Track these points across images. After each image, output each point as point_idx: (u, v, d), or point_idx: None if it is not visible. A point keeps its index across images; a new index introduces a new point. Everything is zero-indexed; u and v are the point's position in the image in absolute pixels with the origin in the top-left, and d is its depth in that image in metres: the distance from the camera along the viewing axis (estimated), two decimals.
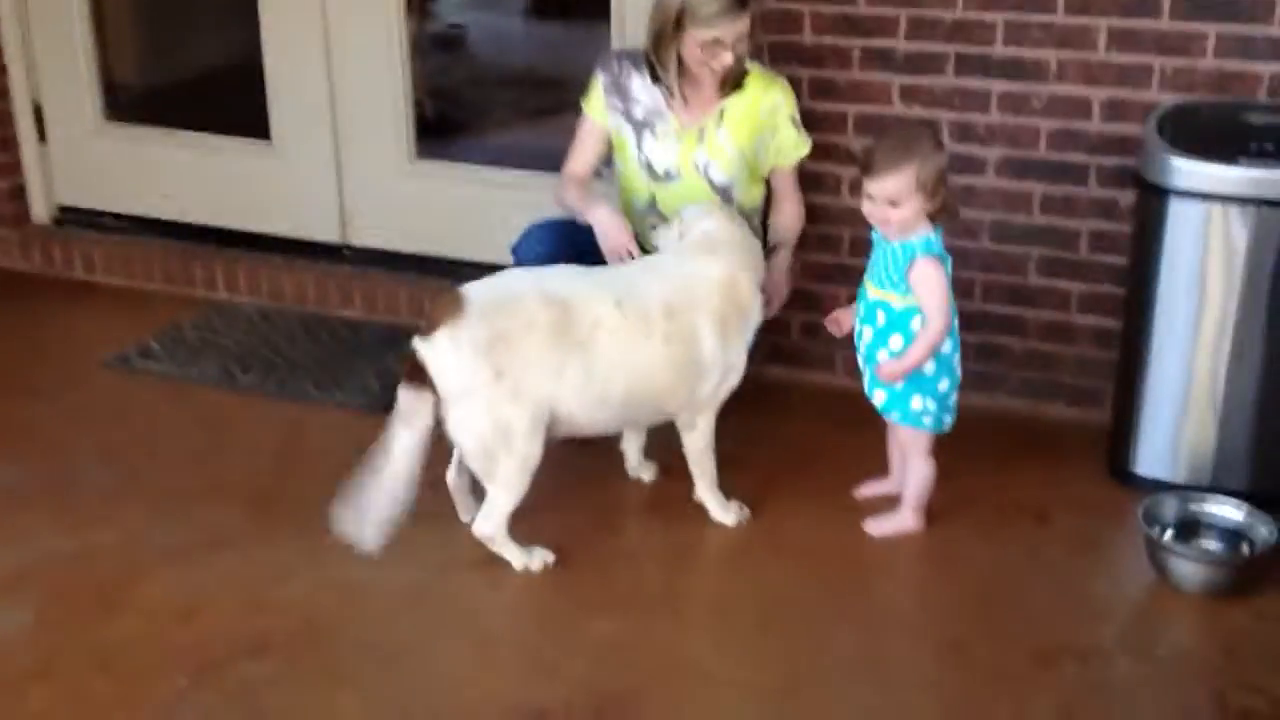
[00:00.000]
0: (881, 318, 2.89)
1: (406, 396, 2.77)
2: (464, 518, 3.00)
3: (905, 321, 2.86)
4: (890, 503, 3.08)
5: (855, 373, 3.61)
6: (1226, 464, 3.06)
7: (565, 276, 2.91)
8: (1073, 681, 2.55)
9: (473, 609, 2.82)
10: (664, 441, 3.15)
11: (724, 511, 3.07)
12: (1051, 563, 2.93)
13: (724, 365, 2.93)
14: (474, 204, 4.17)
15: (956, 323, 2.89)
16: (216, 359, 3.92)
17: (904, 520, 3.03)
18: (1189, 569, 2.77)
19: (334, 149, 4.28)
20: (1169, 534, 2.88)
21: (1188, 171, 2.88)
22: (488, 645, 2.73)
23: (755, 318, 2.99)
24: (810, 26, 3.42)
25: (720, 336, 2.90)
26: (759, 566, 2.94)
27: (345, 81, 4.20)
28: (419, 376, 2.74)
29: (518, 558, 2.89)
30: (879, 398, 2.96)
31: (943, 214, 2.82)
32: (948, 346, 2.88)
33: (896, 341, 2.87)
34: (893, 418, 2.97)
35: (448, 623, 2.77)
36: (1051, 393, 3.50)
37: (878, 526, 3.04)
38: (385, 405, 3.57)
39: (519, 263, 3.21)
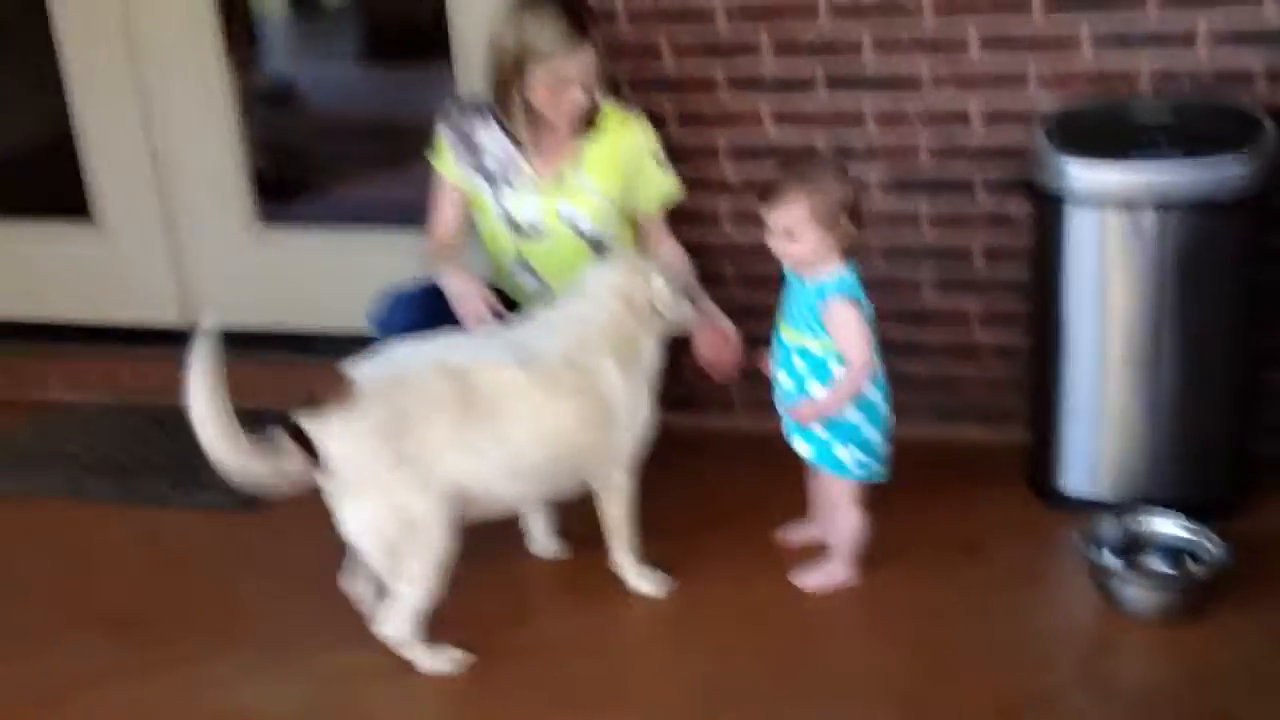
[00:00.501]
0: (799, 363, 2.72)
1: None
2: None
3: (825, 366, 2.69)
4: (817, 549, 2.90)
5: (757, 413, 3.48)
6: (1155, 475, 2.96)
7: (457, 344, 2.69)
8: None
9: None
10: (569, 510, 2.94)
11: (645, 582, 2.86)
12: (994, 601, 2.78)
13: (632, 409, 2.73)
14: (328, 270, 3.91)
15: (882, 365, 2.73)
16: (60, 467, 3.57)
17: (836, 572, 2.85)
18: (1140, 594, 2.65)
19: (165, 223, 3.98)
20: (1112, 557, 2.76)
21: (1084, 177, 2.78)
22: None
23: (650, 359, 2.79)
24: (670, 53, 3.25)
25: (625, 378, 2.71)
26: (691, 640, 2.74)
27: (170, 148, 3.91)
28: (304, 447, 2.46)
29: (428, 661, 2.63)
30: (804, 448, 2.78)
31: (852, 249, 2.66)
32: (873, 391, 2.72)
33: (817, 388, 2.70)
34: (819, 469, 2.80)
35: None
36: (960, 415, 3.38)
37: (808, 579, 2.86)
38: (253, 501, 3.33)
39: (381, 333, 2.95)
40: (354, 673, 2.66)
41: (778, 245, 2.66)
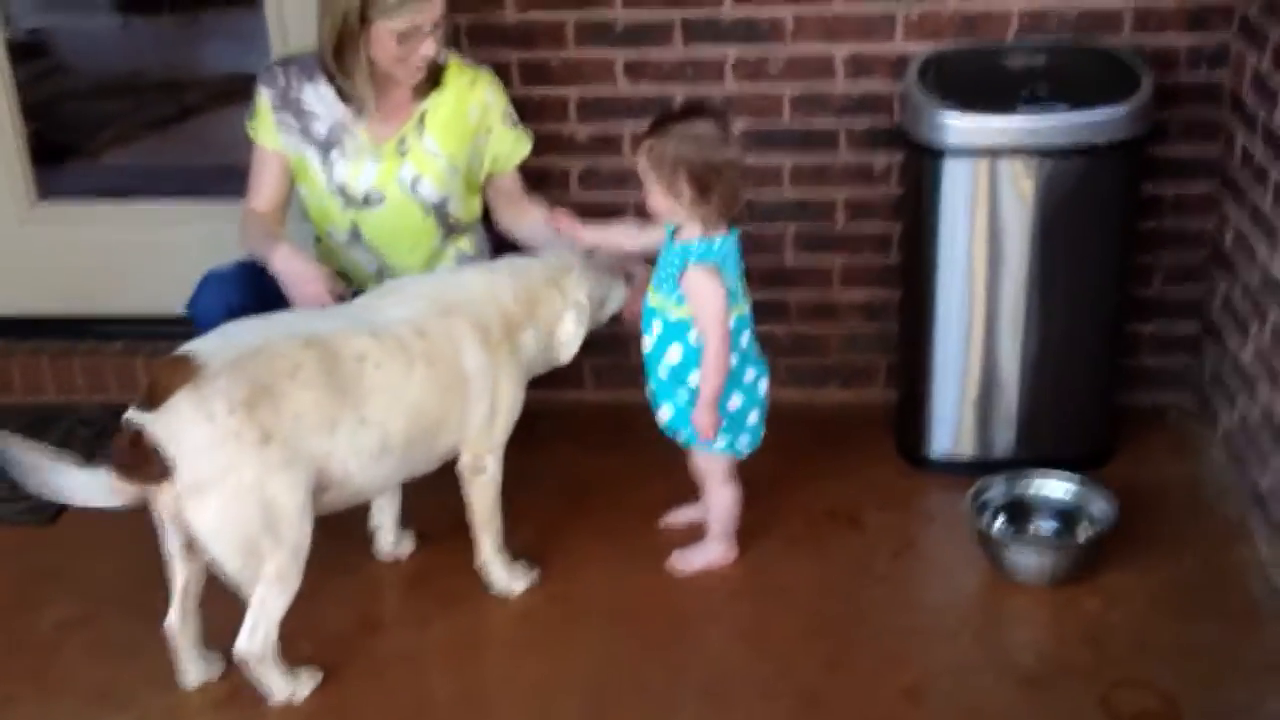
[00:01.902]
0: (657, 327, 2.52)
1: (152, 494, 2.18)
2: (189, 680, 2.39)
3: (682, 332, 2.50)
4: (695, 531, 2.71)
5: (607, 385, 3.28)
6: (1025, 433, 2.88)
7: (301, 317, 2.42)
8: (947, 714, 2.29)
9: None
10: (417, 504, 2.69)
11: (511, 577, 2.62)
12: (878, 573, 2.66)
13: (492, 386, 2.47)
14: (112, 247, 3.47)
15: (749, 335, 2.55)
16: None
17: (711, 553, 2.67)
18: (1029, 560, 2.56)
19: None
20: (999, 521, 2.66)
21: (962, 127, 2.65)
22: None
23: (529, 349, 2.55)
24: (513, 1, 2.96)
25: (484, 348, 2.45)
26: (568, 641, 2.51)
27: None
28: (144, 465, 2.12)
29: (282, 686, 2.33)
30: (664, 414, 2.59)
31: (719, 218, 2.45)
32: (734, 359, 2.52)
33: (675, 353, 2.51)
34: (680, 439, 2.60)
35: None
36: (822, 377, 3.24)
37: (685, 561, 2.68)
38: (56, 511, 2.92)
39: (200, 322, 2.59)
40: (183, 709, 2.36)
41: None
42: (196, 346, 2.22)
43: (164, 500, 2.17)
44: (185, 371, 2.14)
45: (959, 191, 2.70)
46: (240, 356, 2.19)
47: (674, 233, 2.49)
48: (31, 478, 2.18)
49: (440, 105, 2.71)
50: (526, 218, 2.85)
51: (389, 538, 2.74)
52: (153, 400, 2.13)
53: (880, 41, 2.92)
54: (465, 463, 2.52)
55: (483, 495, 2.55)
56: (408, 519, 2.75)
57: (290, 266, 2.59)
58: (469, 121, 2.73)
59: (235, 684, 2.35)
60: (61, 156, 4.34)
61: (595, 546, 2.75)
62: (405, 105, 2.70)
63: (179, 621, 2.35)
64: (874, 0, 2.89)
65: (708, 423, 2.49)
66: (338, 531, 2.51)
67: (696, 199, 2.40)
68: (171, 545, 2.28)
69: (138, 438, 2.12)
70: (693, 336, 2.48)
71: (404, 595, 2.68)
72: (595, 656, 2.45)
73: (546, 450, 3.09)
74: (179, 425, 2.11)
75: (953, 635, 2.48)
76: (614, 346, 3.22)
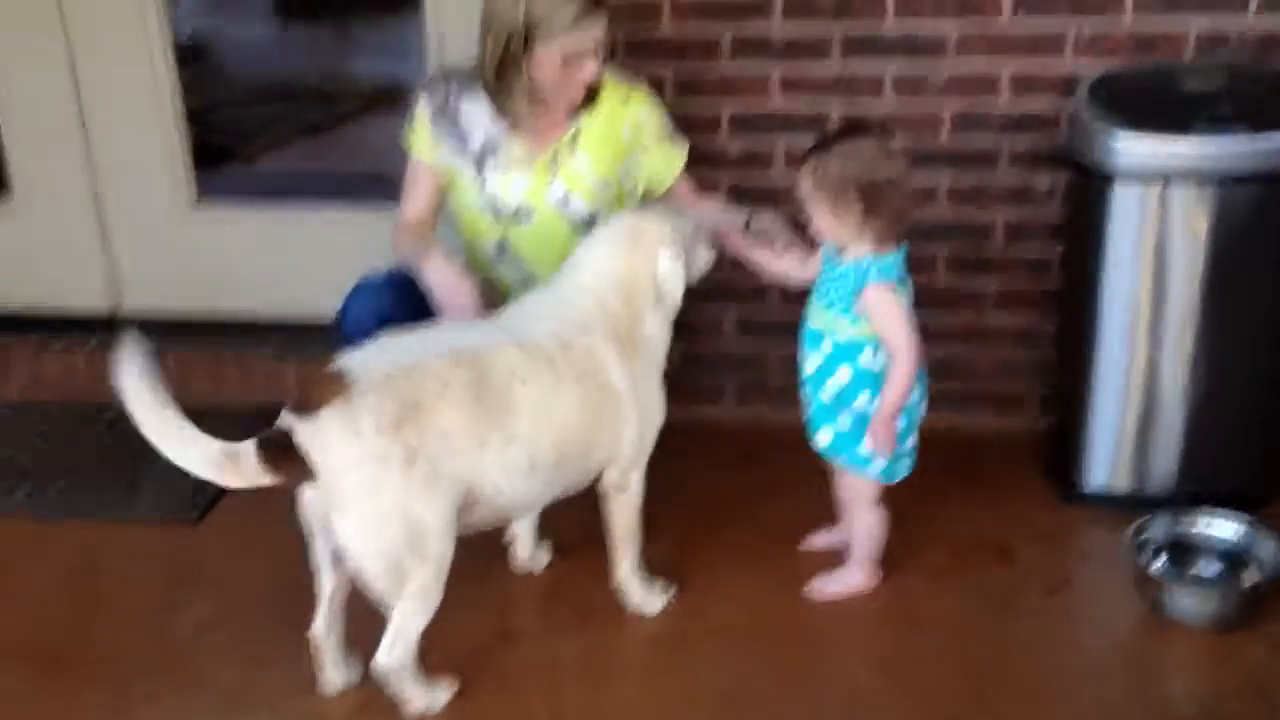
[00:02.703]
0: (826, 347, 2.47)
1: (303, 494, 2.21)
2: (330, 688, 2.40)
3: (853, 354, 2.45)
4: (835, 556, 2.65)
5: (748, 401, 3.23)
6: (1187, 468, 2.76)
7: (452, 330, 2.42)
8: None
9: None
10: (553, 515, 2.64)
11: (648, 596, 2.58)
12: (1029, 611, 2.57)
13: (639, 398, 2.44)
14: (271, 250, 3.56)
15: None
16: None
17: (852, 578, 2.61)
18: (1195, 604, 2.44)
19: (92, 198, 3.58)
20: (1160, 561, 2.55)
21: (1134, 149, 2.55)
22: None
23: (656, 341, 2.51)
24: (670, 14, 2.95)
25: (625, 363, 2.42)
26: (701, 661, 2.47)
27: (100, 114, 3.50)
28: (286, 461, 2.14)
29: (420, 697, 2.33)
30: (823, 438, 2.54)
31: (890, 235, 2.40)
32: None
33: (844, 374, 2.46)
34: (838, 462, 2.54)
35: None
36: (970, 402, 3.16)
37: (823, 588, 2.62)
38: (201, 510, 2.98)
39: (348, 329, 2.63)
40: (319, 714, 2.36)
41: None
42: (350, 361, 2.23)
43: (311, 501, 2.20)
44: (337, 386, 2.15)
45: (1128, 218, 2.60)
46: (391, 373, 2.18)
47: (837, 252, 2.44)
48: (146, 412, 2.15)
49: (593, 124, 2.70)
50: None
51: (526, 549, 2.73)
52: (305, 407, 2.15)
53: (1049, 60, 2.83)
54: (610, 479, 2.49)
55: (624, 512, 2.52)
56: (544, 531, 2.74)
57: (441, 276, 2.59)
58: (621, 140, 2.72)
59: (371, 691, 2.35)
60: (218, 160, 4.45)
61: (732, 565, 2.71)
62: (560, 123, 2.69)
63: (324, 629, 2.36)
64: (1043, 16, 2.81)
65: (887, 435, 2.44)
66: (474, 541, 2.51)
67: (864, 217, 2.36)
68: (321, 555, 2.30)
69: (287, 437, 2.14)
70: (863, 358, 2.44)
71: (539, 607, 2.67)
72: (729, 678, 2.41)
73: (684, 466, 3.04)
74: (326, 438, 2.13)
75: (1108, 678, 2.38)
76: (755, 364, 3.19)
